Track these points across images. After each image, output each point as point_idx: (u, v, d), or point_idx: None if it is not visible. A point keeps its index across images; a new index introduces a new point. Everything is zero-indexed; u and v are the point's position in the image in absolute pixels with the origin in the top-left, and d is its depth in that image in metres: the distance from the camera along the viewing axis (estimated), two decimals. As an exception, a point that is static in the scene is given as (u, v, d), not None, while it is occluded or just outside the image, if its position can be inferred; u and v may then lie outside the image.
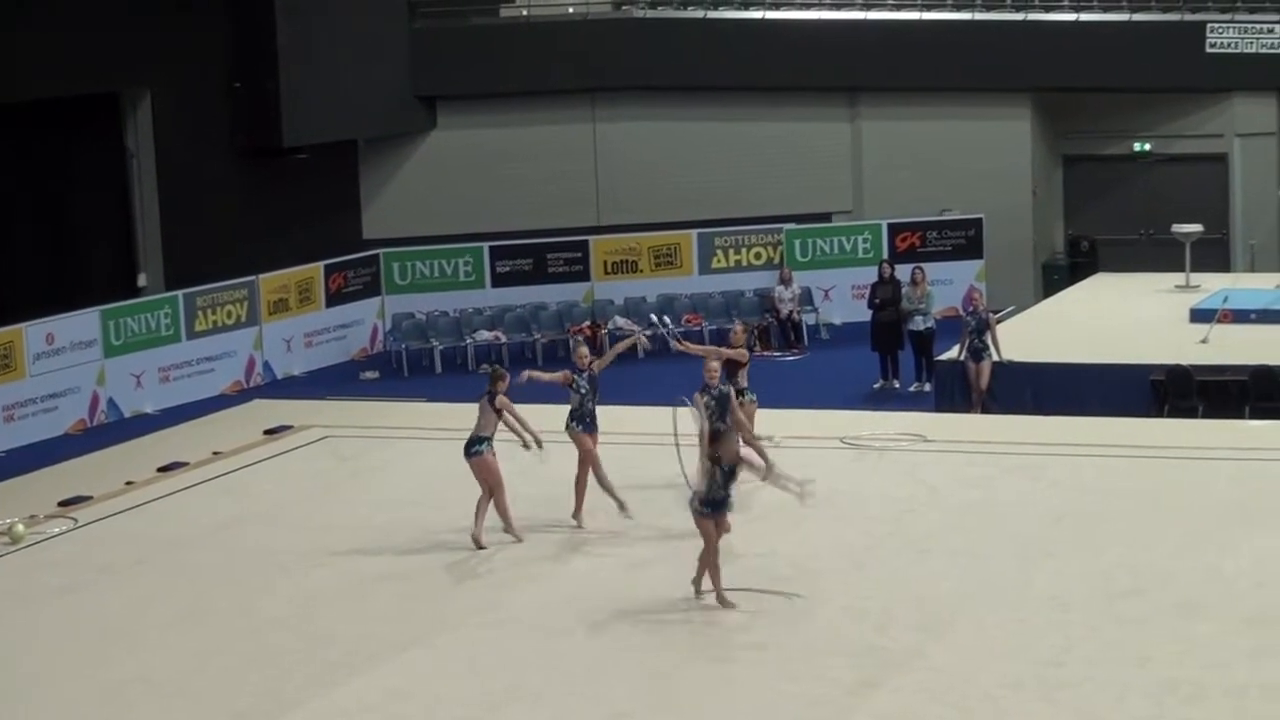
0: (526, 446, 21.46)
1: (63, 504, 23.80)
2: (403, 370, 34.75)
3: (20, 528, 22.65)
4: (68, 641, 19.38)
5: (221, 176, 36.13)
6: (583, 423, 22.20)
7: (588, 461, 22.20)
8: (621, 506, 22.25)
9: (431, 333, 35.48)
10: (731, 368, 23.40)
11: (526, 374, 22.68)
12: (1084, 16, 38.31)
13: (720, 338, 34.72)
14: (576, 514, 22.27)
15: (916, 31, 38.59)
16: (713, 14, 39.47)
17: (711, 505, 18.93)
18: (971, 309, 29.33)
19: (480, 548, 21.43)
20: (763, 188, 38.86)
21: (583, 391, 22.20)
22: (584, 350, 22.76)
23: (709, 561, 18.94)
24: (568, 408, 22.30)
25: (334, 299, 35.65)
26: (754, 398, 23.64)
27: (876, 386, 31.51)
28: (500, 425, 21.52)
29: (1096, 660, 17.04)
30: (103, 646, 19.15)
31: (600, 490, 22.21)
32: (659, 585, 19.98)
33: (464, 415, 28.19)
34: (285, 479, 25.70)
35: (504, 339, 35.43)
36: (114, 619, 20.01)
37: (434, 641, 18.78)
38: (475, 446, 21.50)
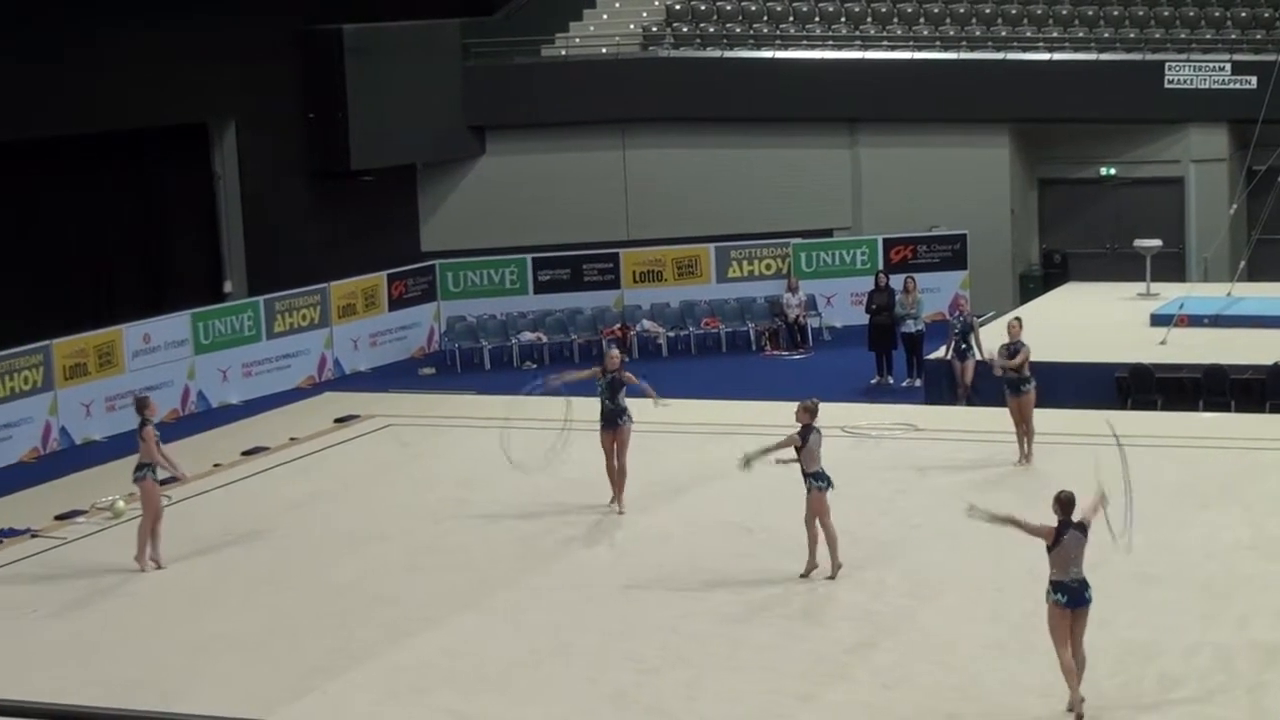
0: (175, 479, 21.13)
1: (159, 483, 23.83)
2: (456, 367, 34.69)
3: (121, 504, 22.73)
4: (162, 603, 19.49)
5: (297, 196, 36.20)
6: (604, 418, 21.65)
7: (609, 454, 21.72)
8: (614, 499, 21.81)
9: (481, 334, 35.45)
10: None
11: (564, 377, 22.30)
12: (1056, 56, 38.23)
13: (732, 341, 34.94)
14: (615, 500, 21.88)
15: (909, 70, 38.52)
16: (729, 54, 39.43)
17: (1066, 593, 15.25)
18: (957, 314, 29.27)
19: (144, 569, 20.44)
20: (772, 206, 38.76)
21: (599, 393, 21.71)
22: (614, 353, 22.07)
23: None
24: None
25: (395, 304, 35.60)
26: (1033, 385, 23.63)
27: (873, 382, 31.42)
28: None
29: (1066, 623, 16.99)
30: (192, 608, 19.25)
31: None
32: (679, 559, 20.03)
33: (510, 407, 28.24)
34: (353, 462, 25.78)
35: (545, 339, 35.38)
36: (202, 584, 20.10)
37: (482, 604, 18.83)
38: (138, 472, 20.81)
